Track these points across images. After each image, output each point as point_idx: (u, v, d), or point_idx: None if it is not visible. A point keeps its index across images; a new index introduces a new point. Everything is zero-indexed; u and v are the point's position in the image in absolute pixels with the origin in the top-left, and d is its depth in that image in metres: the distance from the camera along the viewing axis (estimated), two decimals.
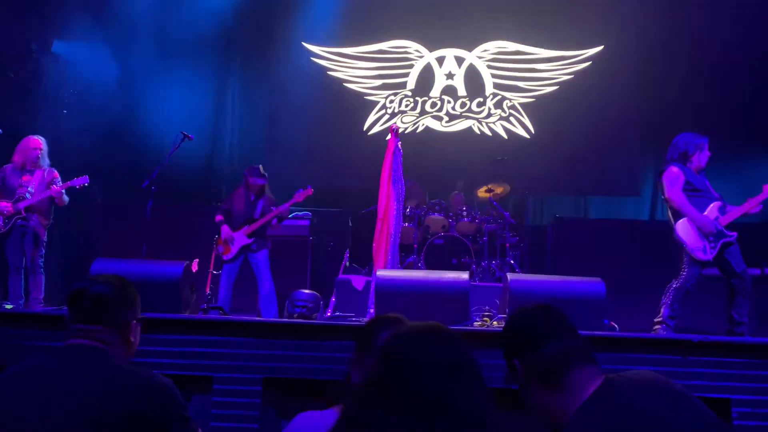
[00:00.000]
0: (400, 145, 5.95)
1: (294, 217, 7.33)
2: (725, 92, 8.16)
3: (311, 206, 7.81)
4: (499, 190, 7.86)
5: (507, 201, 8.17)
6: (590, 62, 9.07)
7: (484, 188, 7.79)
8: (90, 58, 8.01)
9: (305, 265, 7.06)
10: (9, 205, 5.62)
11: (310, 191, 6.16)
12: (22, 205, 5.61)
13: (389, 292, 4.54)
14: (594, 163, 8.74)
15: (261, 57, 9.18)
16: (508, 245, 7.46)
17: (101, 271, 3.97)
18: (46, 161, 5.84)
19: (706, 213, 4.86)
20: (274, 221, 6.14)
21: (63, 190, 5.78)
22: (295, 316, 5.40)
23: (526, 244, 7.77)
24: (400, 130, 8.86)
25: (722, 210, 4.92)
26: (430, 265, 7.08)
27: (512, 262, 7.35)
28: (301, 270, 7.00)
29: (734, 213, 4.89)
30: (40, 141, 5.83)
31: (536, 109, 9.11)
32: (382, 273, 5.04)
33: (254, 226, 6.03)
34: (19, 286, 5.60)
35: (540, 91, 9.17)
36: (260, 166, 6.17)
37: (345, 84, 9.28)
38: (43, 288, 5.68)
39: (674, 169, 4.94)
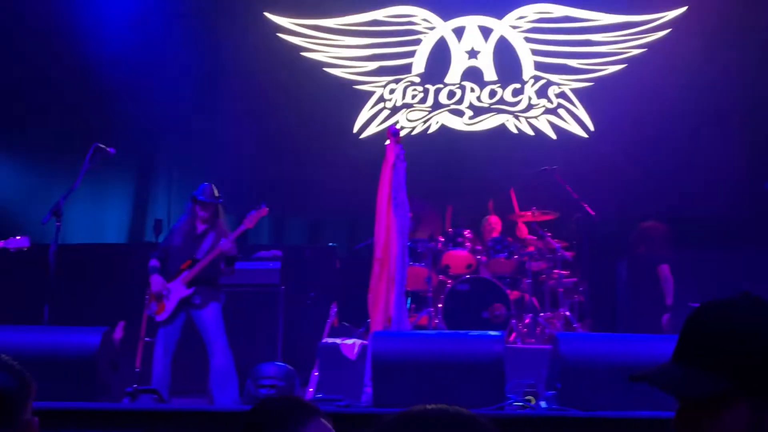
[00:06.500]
0: (403, 155, 5.99)
1: (257, 259, 7.32)
2: None
3: (282, 242, 7.90)
4: (547, 213, 7.84)
5: (559, 227, 8.15)
6: (669, 30, 9.14)
7: (528, 211, 7.78)
8: None
9: (275, 326, 7.05)
10: None
11: (265, 211, 6.16)
12: None
13: (391, 362, 4.54)
14: (687, 177, 8.66)
15: (208, 32, 9.23)
16: (561, 290, 7.48)
17: None
18: None
19: None
20: (222, 264, 6.08)
21: None
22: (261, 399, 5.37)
23: (587, 288, 7.78)
24: (404, 132, 8.96)
25: None
26: (450, 321, 7.09)
27: (568, 313, 7.35)
28: (270, 332, 6.98)
29: None
30: None
31: (596, 96, 9.18)
32: (381, 336, 5.09)
33: (196, 269, 5.96)
34: None
35: (600, 72, 9.27)
36: (212, 185, 6.17)
37: (326, 69, 9.36)
38: None
39: None
